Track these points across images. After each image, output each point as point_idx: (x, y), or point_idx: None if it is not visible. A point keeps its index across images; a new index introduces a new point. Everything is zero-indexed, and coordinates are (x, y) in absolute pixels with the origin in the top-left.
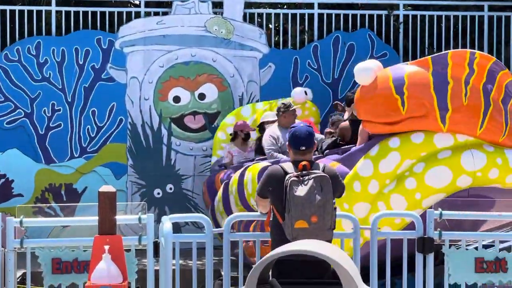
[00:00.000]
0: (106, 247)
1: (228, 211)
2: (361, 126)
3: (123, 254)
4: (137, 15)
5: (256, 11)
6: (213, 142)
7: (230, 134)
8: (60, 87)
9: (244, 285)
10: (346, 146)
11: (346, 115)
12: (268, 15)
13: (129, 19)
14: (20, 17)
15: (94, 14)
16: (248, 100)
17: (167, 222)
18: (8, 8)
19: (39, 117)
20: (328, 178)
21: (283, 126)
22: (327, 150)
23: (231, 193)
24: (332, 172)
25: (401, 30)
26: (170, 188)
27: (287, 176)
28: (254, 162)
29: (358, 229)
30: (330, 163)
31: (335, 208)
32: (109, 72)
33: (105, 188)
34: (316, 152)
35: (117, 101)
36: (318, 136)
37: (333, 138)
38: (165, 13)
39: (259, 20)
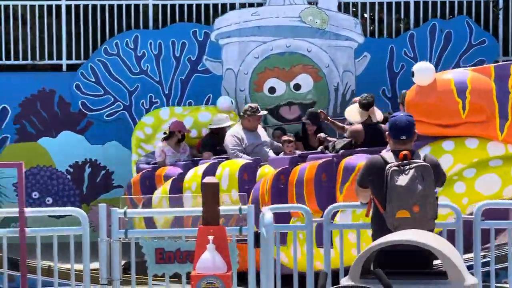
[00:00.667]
0: (211, 238)
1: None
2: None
3: (227, 245)
4: (232, 7)
5: (351, 0)
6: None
7: (165, 133)
8: (158, 79)
9: (346, 275)
10: (369, 148)
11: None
12: (363, 4)
13: (224, 11)
14: (118, 12)
15: (190, 6)
16: (344, 90)
17: (268, 212)
18: (107, 3)
19: (137, 109)
20: (429, 167)
21: (247, 129)
22: (343, 150)
23: (188, 189)
24: (433, 161)
25: (500, 17)
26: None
27: (388, 166)
28: (208, 161)
29: (461, 219)
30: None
31: (437, 198)
32: (205, 64)
33: (209, 179)
34: (327, 151)
35: (213, 93)
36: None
37: (348, 139)
38: (260, 4)
39: (354, 9)
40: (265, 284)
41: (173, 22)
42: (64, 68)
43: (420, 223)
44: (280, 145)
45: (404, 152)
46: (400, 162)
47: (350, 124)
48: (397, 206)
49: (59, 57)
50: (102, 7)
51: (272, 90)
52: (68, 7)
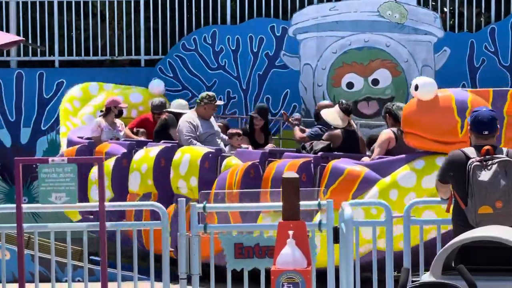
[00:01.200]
0: (291, 233)
1: (121, 188)
2: (381, 139)
3: (307, 240)
4: (310, 1)
5: None
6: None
7: (101, 111)
8: (235, 75)
9: (426, 271)
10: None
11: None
12: None
13: (302, 6)
14: (196, 7)
15: (267, 2)
16: None
17: (347, 207)
18: None
19: None
20: None
21: (202, 116)
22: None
23: (136, 170)
24: None
25: None
26: None
27: (470, 161)
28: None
29: None
30: (358, 167)
31: None
32: (283, 59)
33: (289, 174)
34: (304, 151)
35: (291, 88)
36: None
37: (327, 143)
38: None
39: (434, 3)
40: (345, 279)
41: (251, 17)
42: (142, 63)
43: (503, 219)
44: (227, 137)
45: (487, 147)
46: (482, 157)
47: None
48: (479, 201)
49: (138, 53)
50: (180, 2)
51: (350, 85)
52: (147, 3)
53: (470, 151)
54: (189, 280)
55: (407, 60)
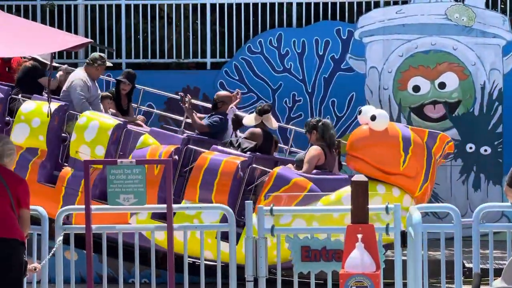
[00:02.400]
0: (359, 236)
1: None
2: (311, 154)
3: (375, 243)
4: (377, 4)
5: None
6: None
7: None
8: (301, 78)
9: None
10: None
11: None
12: None
13: (368, 9)
14: (262, 10)
15: (333, 5)
16: (491, 89)
17: (416, 212)
18: (251, 1)
19: (280, 107)
20: None
21: (92, 77)
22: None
23: (25, 122)
24: None
25: None
26: None
27: None
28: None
29: None
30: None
31: None
32: (349, 62)
33: (358, 177)
34: (232, 147)
35: (357, 91)
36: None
37: (254, 143)
38: (404, 2)
39: (502, 6)
40: (413, 283)
41: (316, 20)
42: (208, 66)
43: None
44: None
45: None
46: None
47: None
48: None
49: (204, 56)
50: (246, 5)
51: (416, 88)
52: (213, 6)
53: None
54: (256, 283)
55: (474, 64)
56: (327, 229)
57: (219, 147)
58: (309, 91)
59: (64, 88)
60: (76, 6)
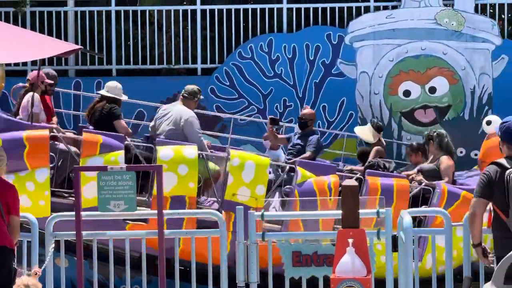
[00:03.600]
0: (350, 241)
1: None
2: (446, 165)
3: (366, 248)
4: (367, 9)
5: (488, 1)
6: None
7: (24, 87)
8: (292, 83)
9: (486, 281)
10: None
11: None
12: (501, 5)
13: (358, 14)
14: (253, 16)
15: (324, 10)
16: (480, 94)
17: (407, 216)
18: (241, 7)
19: (271, 113)
20: None
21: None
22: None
23: (171, 171)
24: None
25: None
26: None
27: (507, 172)
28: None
29: None
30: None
31: None
32: (339, 67)
33: (349, 182)
34: (380, 169)
35: (347, 96)
36: None
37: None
38: (394, 7)
39: (491, 10)
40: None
41: (307, 26)
42: (199, 72)
43: None
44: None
45: None
46: None
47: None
48: None
49: (194, 61)
50: (237, 11)
51: (407, 93)
52: (203, 12)
53: (505, 162)
54: None
55: (464, 68)
56: (318, 234)
57: (372, 171)
58: (300, 96)
59: (171, 125)
60: (66, 13)
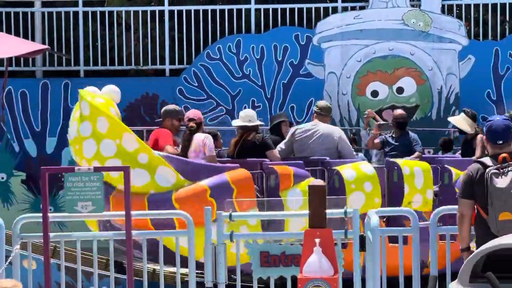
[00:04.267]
0: (317, 240)
1: None
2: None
3: (333, 248)
4: (334, 10)
5: (454, 2)
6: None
7: (191, 127)
8: (260, 83)
9: (453, 280)
10: None
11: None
12: (467, 6)
13: (326, 14)
14: (221, 16)
15: (292, 10)
16: (447, 94)
17: (374, 216)
18: (209, 8)
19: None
20: None
21: None
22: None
23: None
24: None
25: None
26: None
27: (487, 170)
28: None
29: None
30: None
31: None
32: (307, 68)
33: (315, 182)
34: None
35: (315, 97)
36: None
37: None
38: (362, 8)
39: (458, 11)
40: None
41: (275, 26)
42: (167, 73)
43: None
44: None
45: (503, 154)
46: (499, 165)
47: None
48: (499, 208)
49: (162, 62)
50: (205, 12)
51: (374, 93)
52: (171, 13)
53: (487, 160)
54: None
55: (431, 68)
56: (285, 235)
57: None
58: (268, 96)
59: (324, 144)
60: (33, 13)
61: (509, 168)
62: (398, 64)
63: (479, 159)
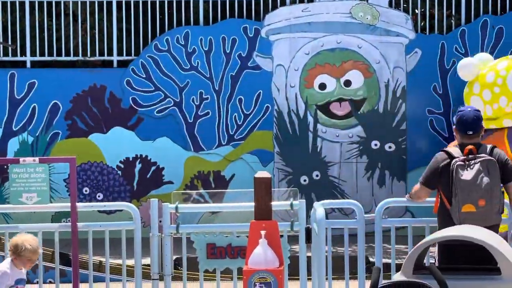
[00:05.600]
0: (263, 232)
1: None
2: None
3: (279, 239)
4: (283, 2)
5: None
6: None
7: None
8: (208, 76)
9: (398, 271)
10: None
11: None
12: (414, 0)
13: (274, 7)
14: (169, 8)
15: (240, 3)
16: (394, 87)
17: (320, 208)
18: None
19: (188, 105)
20: (495, 162)
21: None
22: None
23: None
24: (501, 157)
25: None
26: (317, 175)
27: (453, 161)
28: None
29: None
30: None
31: (503, 192)
32: (255, 60)
33: (261, 174)
34: None
35: (264, 89)
36: None
37: None
38: (310, 0)
39: (405, 5)
40: (317, 279)
41: (223, 18)
42: (115, 64)
43: (485, 217)
44: None
45: (469, 146)
46: (465, 157)
47: None
48: (463, 200)
49: (110, 53)
50: (153, 3)
51: (322, 86)
52: (119, 3)
53: (455, 151)
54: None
55: (379, 62)
56: (232, 226)
57: None
58: (216, 89)
59: None
60: None
61: (475, 161)
62: (345, 57)
63: (446, 149)
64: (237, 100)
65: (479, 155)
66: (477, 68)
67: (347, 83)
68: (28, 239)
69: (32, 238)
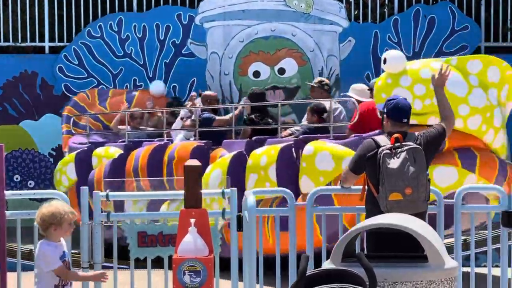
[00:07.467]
0: (192, 221)
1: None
2: None
3: (208, 228)
4: None
5: None
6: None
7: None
8: (142, 63)
9: (328, 259)
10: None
11: None
12: None
13: None
14: None
15: None
16: (328, 75)
17: (250, 196)
18: None
19: None
20: (420, 149)
21: None
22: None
23: None
24: (422, 136)
25: (482, 2)
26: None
27: (380, 149)
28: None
29: (442, 203)
30: None
31: (429, 180)
32: (190, 47)
33: (191, 162)
34: None
35: (198, 77)
36: None
37: None
38: None
39: None
40: (248, 268)
41: (157, 5)
42: (47, 50)
43: (413, 205)
44: None
45: (396, 135)
46: (392, 145)
47: None
48: (390, 189)
49: (42, 39)
50: None
51: (256, 74)
52: None
53: (382, 139)
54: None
55: (313, 50)
56: (163, 214)
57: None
58: (150, 76)
59: None
60: None
61: (402, 149)
62: (280, 45)
63: (373, 137)
64: (171, 87)
65: (405, 144)
66: (405, 63)
67: (281, 71)
68: (57, 203)
69: (59, 202)
